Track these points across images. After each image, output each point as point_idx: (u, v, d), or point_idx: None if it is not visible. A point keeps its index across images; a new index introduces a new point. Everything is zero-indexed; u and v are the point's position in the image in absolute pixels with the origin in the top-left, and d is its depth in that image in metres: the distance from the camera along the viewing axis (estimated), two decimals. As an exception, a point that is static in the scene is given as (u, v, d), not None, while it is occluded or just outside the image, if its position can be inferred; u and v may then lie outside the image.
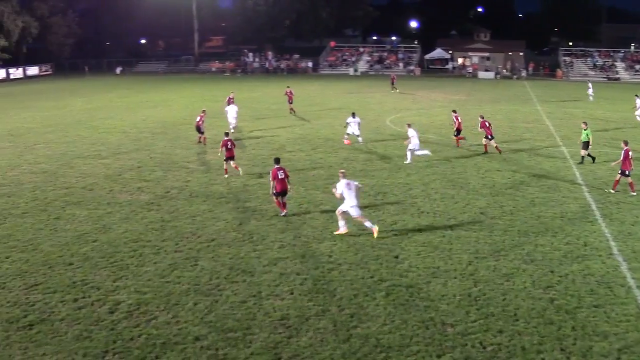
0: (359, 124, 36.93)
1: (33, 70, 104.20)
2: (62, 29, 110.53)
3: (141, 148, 36.82)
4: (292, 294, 16.75)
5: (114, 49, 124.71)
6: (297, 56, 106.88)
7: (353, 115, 37.18)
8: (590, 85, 65.08)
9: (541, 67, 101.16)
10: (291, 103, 50.91)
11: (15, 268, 18.75)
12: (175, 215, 23.58)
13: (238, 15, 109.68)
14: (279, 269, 18.31)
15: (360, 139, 37.18)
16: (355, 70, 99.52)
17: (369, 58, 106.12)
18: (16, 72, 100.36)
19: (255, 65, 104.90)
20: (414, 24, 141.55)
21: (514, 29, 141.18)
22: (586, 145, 31.96)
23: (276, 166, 23.17)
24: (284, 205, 23.45)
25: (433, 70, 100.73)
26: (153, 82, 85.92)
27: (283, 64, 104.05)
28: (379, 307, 15.97)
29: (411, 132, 32.46)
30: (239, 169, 29.58)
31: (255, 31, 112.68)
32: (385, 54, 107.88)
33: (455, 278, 17.69)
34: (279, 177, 22.87)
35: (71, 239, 21.16)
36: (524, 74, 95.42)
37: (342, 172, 21.98)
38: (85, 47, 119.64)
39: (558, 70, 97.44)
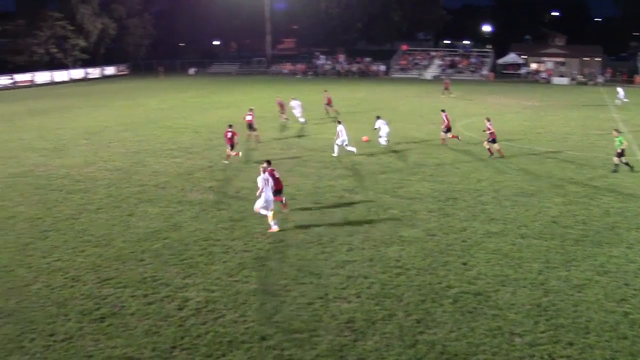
0: (387, 125, 37.19)
1: (110, 70, 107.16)
2: (138, 30, 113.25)
3: (212, 148, 37.35)
4: (359, 297, 16.72)
5: (188, 50, 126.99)
6: (368, 59, 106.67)
7: (378, 117, 37.72)
8: (620, 90, 63.28)
9: (618, 73, 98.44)
10: (330, 105, 50.65)
11: (89, 262, 19.28)
12: (244, 215, 23.83)
13: (310, 18, 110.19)
14: (347, 272, 18.30)
15: (384, 140, 37.21)
16: (420, 75, 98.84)
17: (440, 62, 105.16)
18: (94, 72, 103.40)
19: (327, 67, 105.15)
20: (487, 28, 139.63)
21: (590, 33, 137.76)
22: (621, 153, 31.01)
23: (269, 168, 23.10)
24: (284, 204, 24.03)
25: (506, 76, 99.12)
26: (225, 83, 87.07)
27: (354, 67, 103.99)
28: (446, 314, 15.81)
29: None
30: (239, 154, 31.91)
31: (327, 34, 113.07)
32: (458, 58, 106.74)
33: (524, 287, 17.36)
34: (275, 176, 23.25)
35: (143, 236, 21.63)
36: (600, 79, 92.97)
37: (263, 167, 22.47)
38: (160, 48, 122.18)
39: (636, 76, 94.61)
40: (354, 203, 25.31)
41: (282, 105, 47.33)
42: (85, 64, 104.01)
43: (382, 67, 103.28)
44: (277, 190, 23.35)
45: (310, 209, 24.61)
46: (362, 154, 34.91)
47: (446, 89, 68.72)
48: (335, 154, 34.56)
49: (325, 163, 32.74)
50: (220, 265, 18.85)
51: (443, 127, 38.07)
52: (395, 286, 17.36)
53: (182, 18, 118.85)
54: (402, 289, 17.17)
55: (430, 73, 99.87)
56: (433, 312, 15.90)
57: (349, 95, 65.95)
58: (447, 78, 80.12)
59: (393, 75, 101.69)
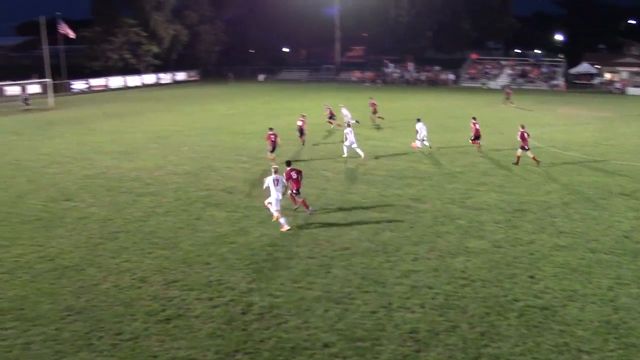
0: (424, 128, 38.88)
1: (181, 76, 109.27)
2: (209, 37, 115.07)
3: (280, 154, 37.57)
4: (422, 307, 16.59)
5: (258, 57, 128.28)
6: (437, 68, 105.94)
7: (418, 120, 39.39)
8: None
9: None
10: (374, 113, 51.33)
11: (156, 264, 19.66)
12: (310, 222, 23.92)
13: (380, 26, 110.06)
14: (411, 282, 18.18)
15: (427, 143, 39.04)
16: (483, 84, 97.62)
17: (510, 71, 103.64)
18: (165, 77, 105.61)
19: (396, 75, 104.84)
20: (559, 37, 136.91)
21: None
22: None
23: (288, 168, 24.51)
24: (305, 204, 25.00)
25: (578, 86, 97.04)
26: (294, 90, 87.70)
27: (423, 76, 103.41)
28: (511, 328, 15.54)
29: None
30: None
31: (396, 42, 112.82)
32: (528, 67, 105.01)
33: (593, 303, 16.93)
34: (293, 177, 24.39)
35: (210, 240, 21.93)
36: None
37: (275, 168, 23.69)
38: (230, 55, 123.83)
39: None
40: (421, 212, 25.14)
41: (331, 113, 48.37)
42: (157, 69, 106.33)
43: (451, 76, 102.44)
44: (296, 190, 24.64)
45: (375, 217, 24.55)
46: (427, 163, 34.65)
47: (507, 98, 67.79)
48: (344, 155, 36.65)
49: (393, 171, 32.62)
50: (284, 271, 18.96)
51: (472, 134, 39.09)
52: (460, 297, 17.16)
53: (253, 25, 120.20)
54: (466, 301, 16.96)
55: (499, 82, 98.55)
56: (498, 325, 15.65)
57: (417, 103, 65.63)
58: (508, 87, 78.92)
59: (462, 85, 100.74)
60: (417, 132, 38.97)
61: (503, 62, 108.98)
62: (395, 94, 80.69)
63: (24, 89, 75.81)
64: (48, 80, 77.84)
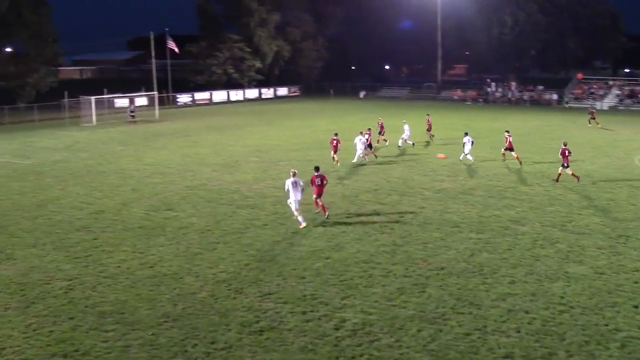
0: (472, 142, 40.52)
1: (283, 91, 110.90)
2: (312, 53, 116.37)
3: (379, 171, 37.63)
4: (518, 332, 16.19)
5: (359, 74, 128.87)
6: (541, 87, 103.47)
7: (466, 134, 41.12)
8: None
9: None
10: (429, 130, 52.13)
11: (252, 276, 19.98)
12: (407, 240, 23.80)
13: (482, 44, 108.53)
14: (507, 305, 17.79)
15: (470, 157, 40.27)
16: (567, 103, 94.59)
17: (618, 92, 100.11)
18: (267, 92, 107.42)
19: (498, 95, 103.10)
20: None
21: None
22: None
23: (315, 174, 26.70)
24: (323, 208, 26.93)
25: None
26: (395, 108, 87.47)
27: (526, 95, 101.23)
28: (612, 358, 14.95)
29: None
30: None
31: (499, 60, 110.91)
32: (638, 87, 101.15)
33: None
34: (317, 183, 26.48)
35: (305, 254, 22.13)
36: None
37: (293, 172, 26.17)
38: (332, 71, 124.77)
39: None
40: (519, 235, 24.59)
41: (382, 127, 49.97)
42: (259, 84, 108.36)
43: (555, 96, 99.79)
44: (319, 195, 26.61)
45: (472, 238, 24.18)
46: (529, 185, 33.85)
47: (592, 118, 65.60)
48: (355, 161, 40.44)
49: (492, 192, 32.04)
50: (379, 289, 18.91)
51: (506, 144, 40.16)
52: (558, 324, 16.65)
53: (354, 42, 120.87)
54: (564, 328, 16.44)
55: (606, 103, 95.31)
56: (597, 355, 15.10)
57: (520, 124, 64.27)
58: (592, 107, 76.33)
59: (567, 105, 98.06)
60: (463, 144, 40.50)
61: (610, 82, 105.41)
62: (496, 113, 79.33)
63: (131, 102, 78.93)
64: (154, 93, 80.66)
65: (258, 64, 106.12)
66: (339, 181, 34.70)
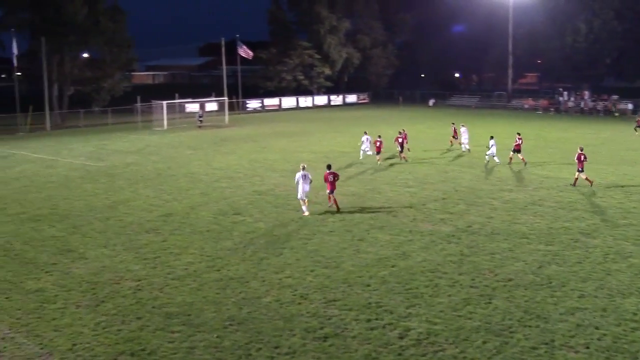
0: (495, 146, 42.38)
1: (351, 98, 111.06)
2: (381, 61, 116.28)
3: (447, 180, 37.30)
4: (587, 348, 15.76)
5: (428, 81, 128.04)
6: (615, 97, 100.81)
7: (492, 137, 43.03)
8: None
9: None
10: (455, 137, 52.04)
11: (317, 282, 20.02)
12: (474, 250, 23.50)
13: (555, 52, 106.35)
14: (576, 320, 17.34)
15: (492, 157, 42.52)
16: (615, 113, 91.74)
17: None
18: (336, 99, 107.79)
19: (570, 104, 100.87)
20: None
21: None
22: None
23: (328, 171, 29.87)
24: (336, 202, 29.73)
25: None
26: (464, 116, 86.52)
27: (599, 105, 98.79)
28: (690, 378, 14.43)
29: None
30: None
31: (572, 69, 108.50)
32: None
33: None
34: (329, 179, 29.53)
35: (371, 261, 22.07)
36: None
37: (303, 166, 29.35)
38: (400, 78, 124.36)
39: None
40: (590, 248, 23.97)
41: (455, 132, 51.56)
42: (328, 91, 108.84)
43: (630, 106, 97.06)
44: (331, 190, 29.63)
45: (541, 249, 23.69)
46: (601, 197, 32.98)
47: (638, 126, 63.81)
48: (361, 158, 44.90)
49: (562, 203, 31.34)
50: (445, 299, 18.71)
51: (514, 146, 42.40)
52: (630, 342, 16.13)
53: (424, 49, 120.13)
54: (637, 346, 15.92)
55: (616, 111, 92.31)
56: (674, 374, 14.58)
57: (592, 134, 62.80)
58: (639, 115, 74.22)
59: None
60: (488, 147, 42.63)
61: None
62: (568, 123, 77.65)
63: (201, 107, 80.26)
64: (224, 98, 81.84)
65: (327, 71, 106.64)
66: (406, 190, 34.52)
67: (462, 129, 50.02)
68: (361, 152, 45.49)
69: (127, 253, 23.39)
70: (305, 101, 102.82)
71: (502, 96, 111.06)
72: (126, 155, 48.95)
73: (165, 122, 70.63)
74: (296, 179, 28.89)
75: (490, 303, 18.42)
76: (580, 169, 35.05)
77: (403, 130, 47.87)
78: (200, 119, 72.30)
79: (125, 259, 22.65)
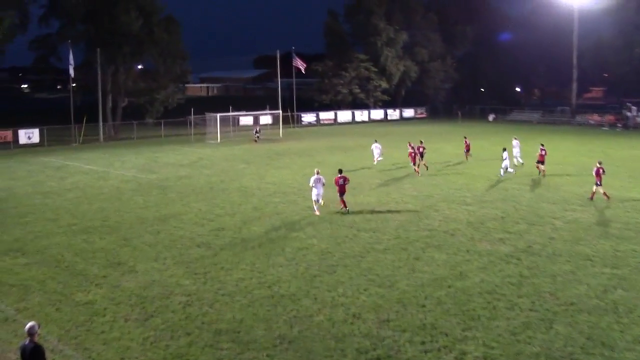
0: (507, 159, 44.18)
1: (409, 113, 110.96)
2: (439, 74, 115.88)
3: (507, 198, 36.84)
4: (657, 378, 15.33)
5: (488, 96, 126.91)
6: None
7: (504, 149, 45.11)
8: None
9: None
10: (468, 152, 54.33)
11: (371, 301, 19.93)
12: (534, 272, 23.11)
13: (623, 65, 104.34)
14: (645, 348, 16.88)
15: (512, 170, 44.83)
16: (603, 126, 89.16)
17: None
18: (393, 114, 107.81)
19: (639, 120, 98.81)
20: None
21: None
22: None
23: (338, 175, 33.06)
24: (344, 204, 32.88)
25: None
26: (525, 132, 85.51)
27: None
28: None
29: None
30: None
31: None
32: None
33: None
34: (340, 183, 32.80)
35: (427, 281, 21.88)
36: None
37: (317, 170, 33.25)
38: (459, 92, 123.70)
39: None
40: (661, 272, 23.35)
41: (468, 146, 53.96)
42: (385, 105, 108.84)
43: None
44: (341, 193, 32.84)
45: (607, 273, 23.14)
46: (674, 218, 32.14)
47: None
48: (375, 163, 50.57)
49: (630, 224, 30.57)
50: (503, 322, 18.42)
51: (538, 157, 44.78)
52: None
53: (484, 63, 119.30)
54: None
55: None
56: None
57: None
58: None
59: None
60: (502, 159, 44.22)
61: None
62: (637, 139, 76.01)
63: (255, 120, 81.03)
64: (279, 111, 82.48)
65: (384, 84, 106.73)
66: (464, 208, 34.20)
67: (514, 142, 50.42)
68: (375, 159, 51.35)
69: (177, 267, 23.65)
70: (361, 115, 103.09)
71: (565, 111, 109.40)
72: (178, 168, 49.64)
73: (218, 135, 71.52)
74: (310, 183, 32.42)
75: (551, 328, 18.06)
76: (598, 183, 35.74)
77: (421, 142, 49.14)
78: (257, 135, 72.36)
79: (175, 274, 22.91)
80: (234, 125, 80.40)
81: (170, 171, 48.07)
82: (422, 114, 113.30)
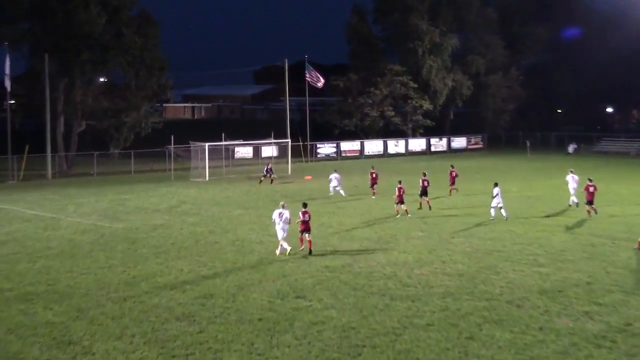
0: (500, 196, 47.01)
1: (459, 142, 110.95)
2: (501, 91, 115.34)
3: (594, 256, 36.49)
4: None
5: (567, 119, 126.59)
6: None
7: (495, 184, 47.67)
8: None
9: None
10: (453, 184, 59.39)
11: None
12: (636, 359, 22.67)
13: None
14: None
15: (503, 212, 47.17)
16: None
17: None
18: (438, 144, 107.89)
19: None
20: None
21: None
22: None
23: (302, 210, 36.58)
24: (310, 243, 36.73)
25: None
26: (622, 167, 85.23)
27: None
28: None
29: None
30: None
31: None
32: None
33: None
34: (303, 218, 36.39)
35: (488, 369, 21.55)
36: None
37: (283, 204, 37.11)
38: (528, 115, 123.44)
39: None
40: None
41: (453, 178, 59.25)
42: (427, 132, 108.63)
43: None
44: (305, 230, 36.57)
45: None
46: None
47: None
48: (331, 193, 59.61)
49: None
50: None
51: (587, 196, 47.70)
52: None
53: (562, 75, 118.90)
54: None
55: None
56: None
57: None
58: None
59: None
60: (492, 196, 47.10)
61: None
62: None
63: (257, 152, 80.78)
64: (287, 140, 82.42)
65: (427, 105, 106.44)
66: (535, 269, 33.81)
67: (571, 177, 52.40)
68: (331, 188, 59.06)
69: (150, 348, 23.35)
70: (396, 146, 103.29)
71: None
72: (153, 215, 49.63)
73: (207, 171, 71.65)
74: (273, 217, 36.49)
75: None
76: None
77: (425, 174, 53.38)
78: (270, 174, 68.99)
79: (146, 356, 22.61)
80: (227, 158, 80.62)
81: (143, 218, 48.06)
82: (477, 144, 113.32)
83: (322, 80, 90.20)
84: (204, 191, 62.31)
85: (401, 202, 48.43)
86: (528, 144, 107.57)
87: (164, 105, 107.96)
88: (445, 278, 31.67)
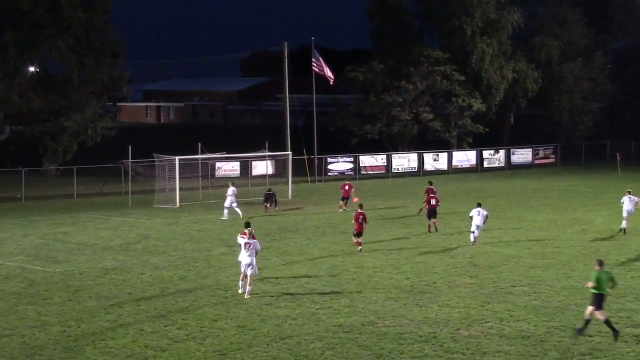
0: (482, 217, 53.09)
1: (522, 156, 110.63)
2: (581, 85, 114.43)
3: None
4: None
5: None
6: None
7: (478, 204, 53.90)
8: None
9: None
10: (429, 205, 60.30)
11: None
12: None
13: None
14: None
15: (476, 233, 52.02)
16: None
17: None
18: (493, 157, 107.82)
19: None
20: None
21: None
22: None
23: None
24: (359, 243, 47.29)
25: None
26: None
27: None
28: None
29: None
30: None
31: None
32: None
33: None
34: (359, 220, 47.65)
35: None
36: None
37: (250, 230, 39.50)
38: (618, 118, 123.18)
39: None
40: None
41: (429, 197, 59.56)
42: (478, 141, 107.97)
43: None
44: (358, 233, 47.67)
45: None
46: None
47: None
48: (224, 217, 64.09)
49: None
50: None
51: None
52: None
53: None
54: None
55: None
56: None
57: None
58: None
59: None
60: (470, 218, 53.40)
61: None
62: None
63: (248, 168, 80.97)
64: (288, 153, 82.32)
65: (478, 105, 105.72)
66: (629, 330, 33.66)
67: (626, 198, 55.56)
68: (225, 210, 64.65)
69: None
70: (435, 160, 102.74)
71: None
72: (103, 254, 49.67)
73: (177, 195, 71.66)
74: (238, 241, 40.50)
75: None
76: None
77: (430, 183, 60.22)
78: (268, 201, 68.86)
79: None
80: (206, 176, 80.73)
81: (89, 259, 48.08)
82: (547, 157, 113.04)
83: (332, 76, 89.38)
84: (174, 222, 62.39)
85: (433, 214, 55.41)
86: (619, 157, 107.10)
87: (119, 104, 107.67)
88: (503, 342, 31.57)
